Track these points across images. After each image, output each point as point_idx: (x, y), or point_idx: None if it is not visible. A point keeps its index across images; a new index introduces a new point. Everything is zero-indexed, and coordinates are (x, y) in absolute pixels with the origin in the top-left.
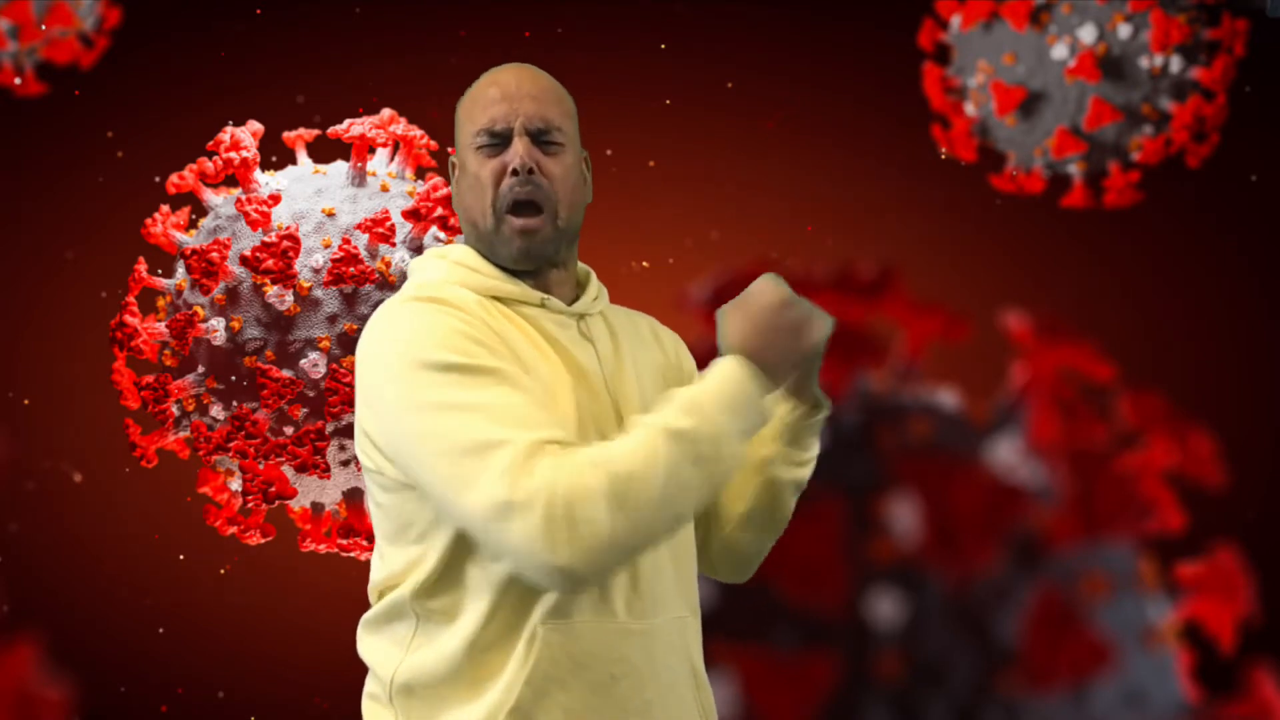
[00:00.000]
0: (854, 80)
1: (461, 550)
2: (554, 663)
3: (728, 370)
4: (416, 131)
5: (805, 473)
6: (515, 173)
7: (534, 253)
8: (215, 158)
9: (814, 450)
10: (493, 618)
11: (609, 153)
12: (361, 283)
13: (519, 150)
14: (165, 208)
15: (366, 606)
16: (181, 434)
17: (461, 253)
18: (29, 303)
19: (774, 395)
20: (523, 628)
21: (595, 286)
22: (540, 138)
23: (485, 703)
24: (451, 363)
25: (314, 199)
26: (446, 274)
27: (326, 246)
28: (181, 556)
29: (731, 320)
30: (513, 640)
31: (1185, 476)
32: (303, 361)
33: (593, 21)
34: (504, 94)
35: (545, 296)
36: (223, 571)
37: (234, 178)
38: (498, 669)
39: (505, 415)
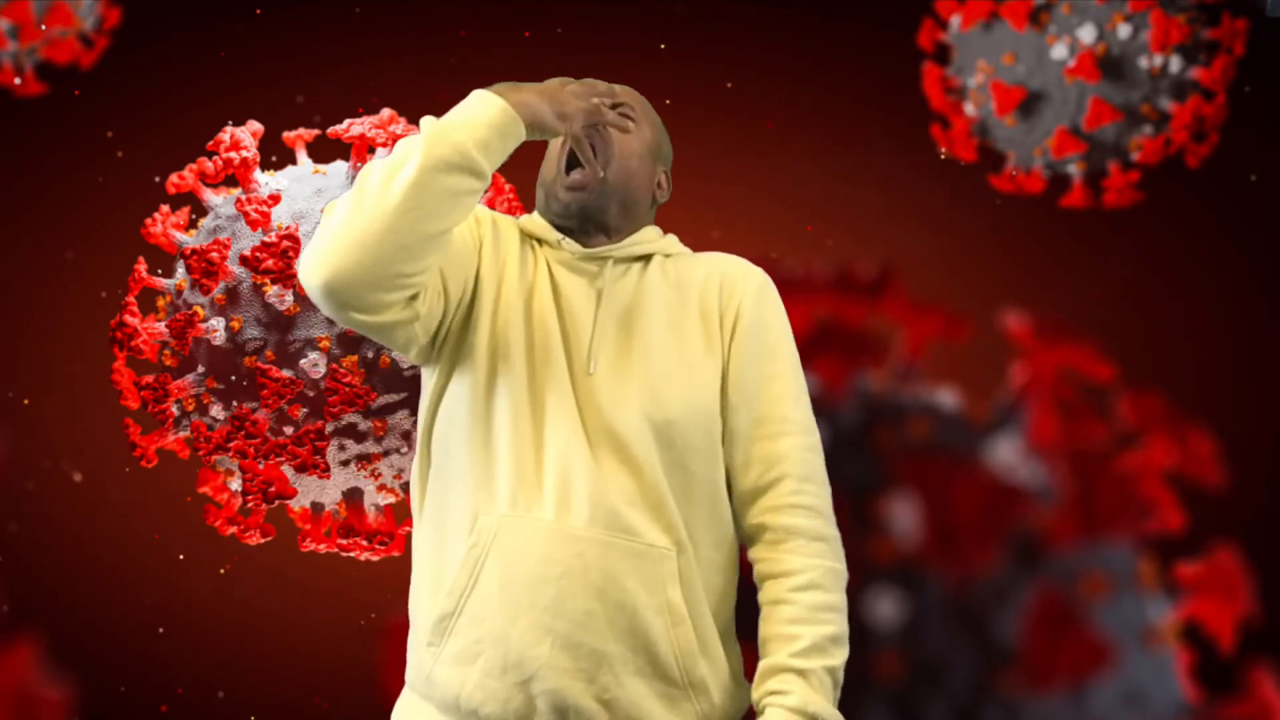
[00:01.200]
0: (854, 80)
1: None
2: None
3: (471, 97)
4: (416, 132)
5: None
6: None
7: (580, 209)
8: (215, 158)
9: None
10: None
11: None
12: None
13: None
14: (165, 208)
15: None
16: (181, 434)
17: (533, 215)
18: (29, 303)
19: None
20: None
21: (641, 236)
22: (616, 108)
23: (433, 584)
24: None
25: (314, 199)
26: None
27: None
28: (181, 556)
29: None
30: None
31: (1185, 476)
32: (303, 361)
33: (593, 21)
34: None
35: (562, 238)
36: (223, 571)
37: (234, 178)
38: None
39: None
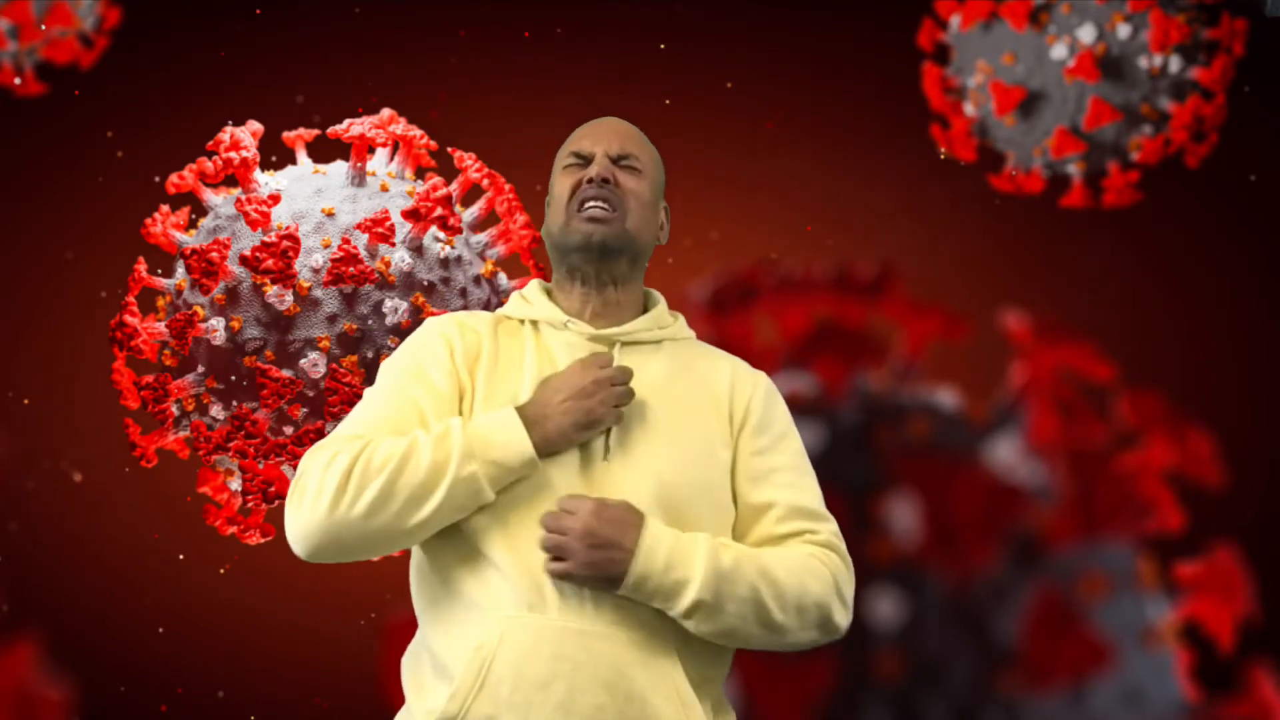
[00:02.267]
0: (854, 80)
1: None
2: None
3: (496, 415)
4: (416, 131)
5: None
6: (591, 181)
7: (600, 241)
8: (215, 158)
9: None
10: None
11: None
12: (361, 282)
13: (600, 164)
14: (165, 207)
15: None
16: (181, 434)
17: (531, 286)
18: (29, 303)
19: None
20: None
21: (652, 318)
22: (621, 161)
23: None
24: (389, 365)
25: (313, 199)
26: (509, 304)
27: (326, 246)
28: (181, 556)
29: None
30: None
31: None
32: (302, 361)
33: (593, 21)
34: (594, 130)
35: (570, 320)
36: (222, 571)
37: (234, 178)
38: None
39: (364, 414)
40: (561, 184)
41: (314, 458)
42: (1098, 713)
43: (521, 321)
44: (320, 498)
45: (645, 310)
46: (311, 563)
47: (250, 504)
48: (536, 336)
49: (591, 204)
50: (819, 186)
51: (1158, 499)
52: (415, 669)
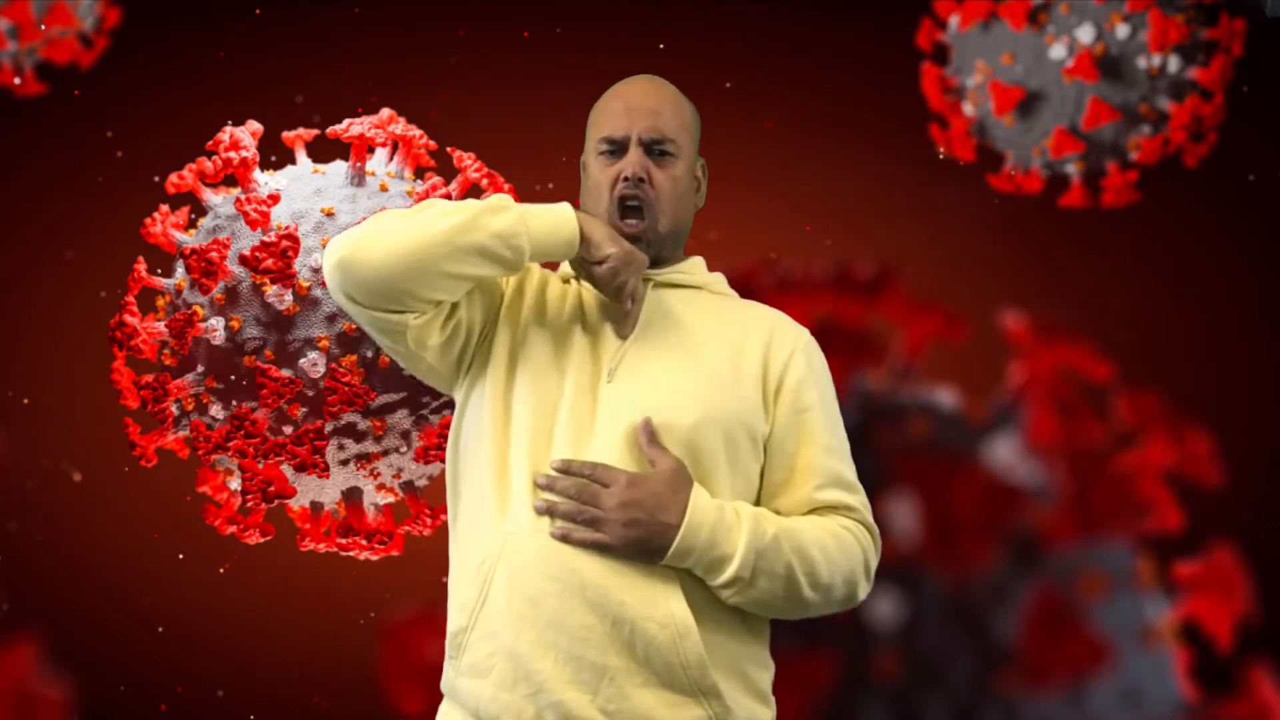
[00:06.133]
0: (853, 80)
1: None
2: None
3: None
4: (415, 131)
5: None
6: (627, 179)
7: (637, 243)
8: (214, 157)
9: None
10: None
11: None
12: None
13: (633, 160)
14: (165, 207)
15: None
16: (181, 433)
17: None
18: (29, 303)
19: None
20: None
21: (690, 264)
22: (654, 148)
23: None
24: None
25: (313, 199)
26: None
27: (326, 246)
28: (181, 556)
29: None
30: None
31: (1183, 476)
32: (302, 361)
33: (592, 21)
34: (626, 106)
35: None
36: (222, 571)
37: (233, 177)
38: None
39: None
40: (598, 174)
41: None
42: (1096, 712)
43: (566, 280)
44: (397, 220)
45: None
46: (352, 294)
47: (250, 503)
48: (583, 289)
49: (629, 218)
50: (818, 186)
51: (1156, 498)
52: (450, 591)
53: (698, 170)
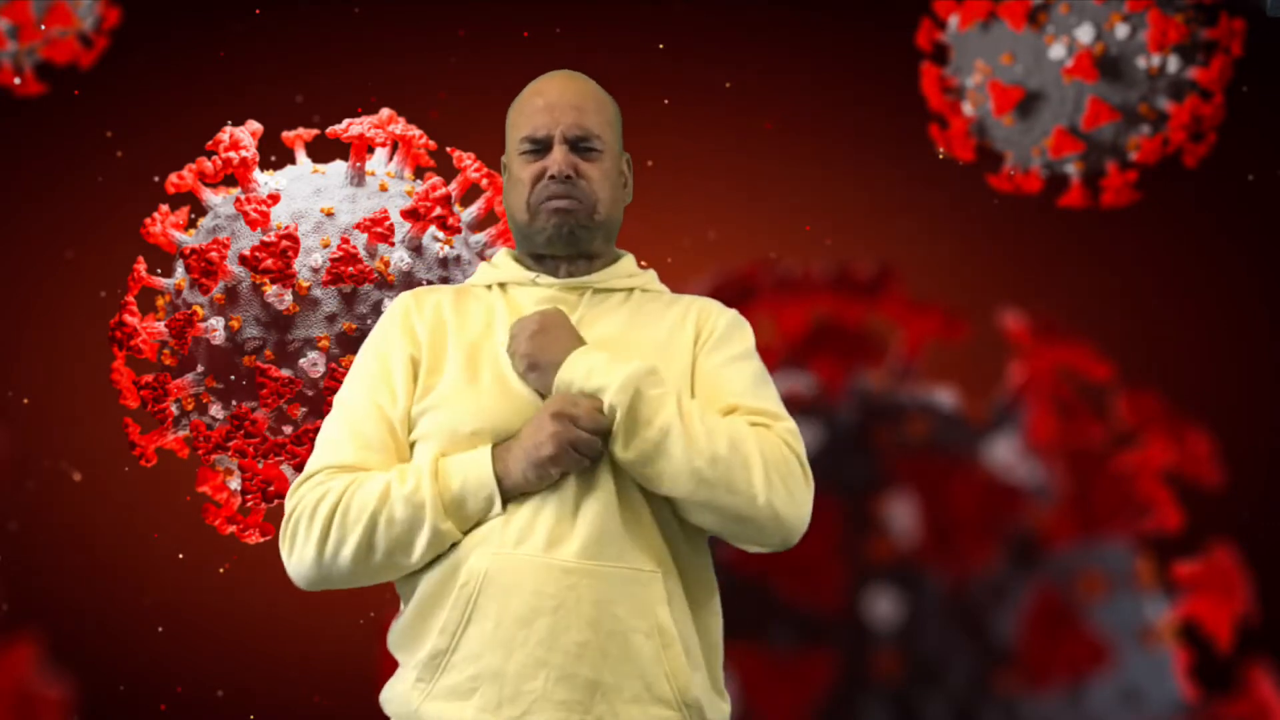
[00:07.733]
0: (852, 80)
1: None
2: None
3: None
4: (415, 131)
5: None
6: (553, 178)
7: (569, 232)
8: (214, 157)
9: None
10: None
11: None
12: (360, 282)
13: (557, 158)
14: (164, 207)
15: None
16: (180, 433)
17: (499, 253)
18: (29, 303)
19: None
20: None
21: (621, 266)
22: (579, 145)
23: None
24: (357, 365)
25: (313, 198)
26: (475, 275)
27: (325, 246)
28: (181, 556)
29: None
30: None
31: (1182, 476)
32: (302, 361)
33: (592, 21)
34: (547, 103)
35: (538, 275)
36: (222, 570)
37: (233, 177)
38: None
39: (337, 433)
40: (521, 171)
41: (300, 498)
42: (1096, 712)
43: (489, 287)
44: (308, 545)
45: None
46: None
47: (249, 503)
48: (505, 297)
49: (555, 200)
50: (817, 186)
51: (1156, 498)
52: (403, 629)
53: (624, 165)
